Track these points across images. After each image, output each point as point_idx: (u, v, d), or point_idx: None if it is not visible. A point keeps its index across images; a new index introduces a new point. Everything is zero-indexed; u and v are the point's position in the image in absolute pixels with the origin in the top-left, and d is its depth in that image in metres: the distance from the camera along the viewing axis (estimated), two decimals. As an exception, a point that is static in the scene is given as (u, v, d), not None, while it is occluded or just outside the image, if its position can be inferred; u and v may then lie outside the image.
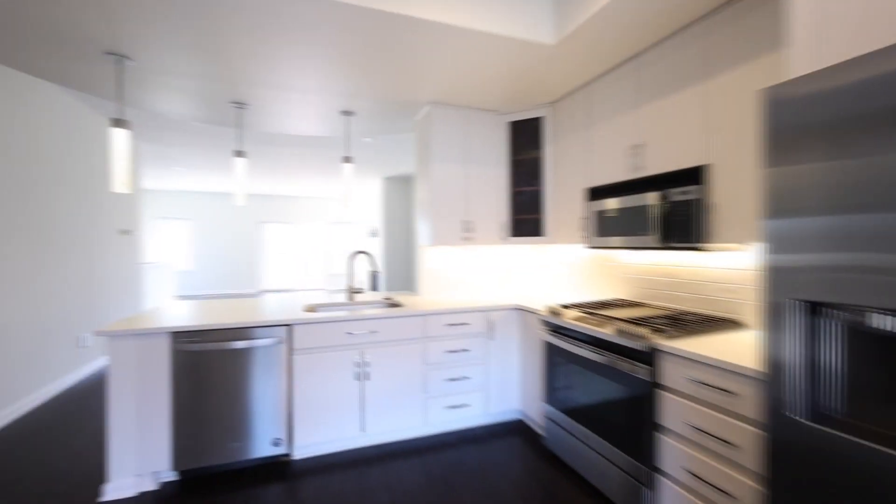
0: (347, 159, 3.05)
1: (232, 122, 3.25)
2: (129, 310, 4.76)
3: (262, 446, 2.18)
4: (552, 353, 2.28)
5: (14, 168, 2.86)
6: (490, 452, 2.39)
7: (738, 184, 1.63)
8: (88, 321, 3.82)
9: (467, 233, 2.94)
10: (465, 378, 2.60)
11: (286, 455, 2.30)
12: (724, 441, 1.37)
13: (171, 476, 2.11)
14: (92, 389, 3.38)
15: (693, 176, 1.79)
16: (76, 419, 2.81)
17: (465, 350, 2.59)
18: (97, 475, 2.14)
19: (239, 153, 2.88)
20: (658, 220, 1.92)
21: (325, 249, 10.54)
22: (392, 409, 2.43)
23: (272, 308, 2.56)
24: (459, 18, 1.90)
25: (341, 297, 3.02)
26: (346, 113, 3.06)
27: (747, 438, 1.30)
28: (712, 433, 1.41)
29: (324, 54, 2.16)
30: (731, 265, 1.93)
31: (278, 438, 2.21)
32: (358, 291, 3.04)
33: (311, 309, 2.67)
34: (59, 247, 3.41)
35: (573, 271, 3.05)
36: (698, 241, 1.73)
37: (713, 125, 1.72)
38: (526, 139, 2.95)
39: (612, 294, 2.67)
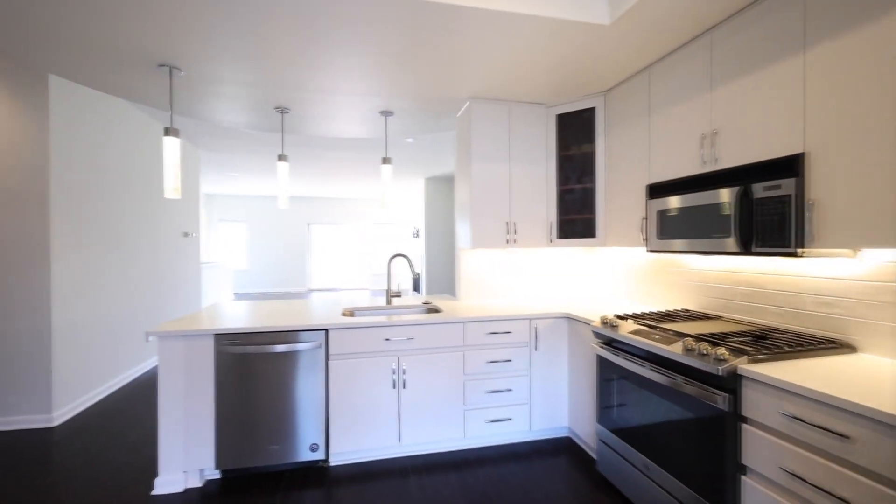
0: (386, 160, 2.99)
1: (276, 127, 3.32)
2: (190, 307, 5.08)
3: (301, 451, 2.16)
4: (606, 368, 2.05)
5: (90, 178, 3.11)
6: (534, 471, 2.20)
7: (848, 174, 1.32)
8: (155, 317, 4.11)
9: (510, 234, 2.77)
10: (507, 390, 2.43)
11: (323, 461, 2.27)
12: (835, 496, 1.09)
13: (215, 474, 2.15)
14: (152, 383, 3.61)
15: (784, 167, 1.50)
16: (137, 411, 2.99)
17: (507, 361, 2.42)
18: (152, 468, 2.23)
19: (281, 157, 2.92)
20: (737, 221, 1.63)
21: (369, 250, 10.76)
22: (429, 420, 2.32)
23: (313, 311, 2.55)
24: (504, 3, 1.74)
25: (381, 300, 2.96)
26: (386, 113, 3.01)
27: (868, 497, 1.03)
28: (817, 484, 1.14)
29: (364, 53, 2.09)
30: (834, 273, 1.60)
31: (315, 444, 2.18)
32: (396, 295, 2.96)
33: (349, 313, 2.63)
34: (129, 249, 3.68)
35: (629, 277, 2.77)
36: (794, 246, 1.44)
37: (814, 105, 1.42)
38: (575, 133, 2.71)
39: (676, 304, 2.37)
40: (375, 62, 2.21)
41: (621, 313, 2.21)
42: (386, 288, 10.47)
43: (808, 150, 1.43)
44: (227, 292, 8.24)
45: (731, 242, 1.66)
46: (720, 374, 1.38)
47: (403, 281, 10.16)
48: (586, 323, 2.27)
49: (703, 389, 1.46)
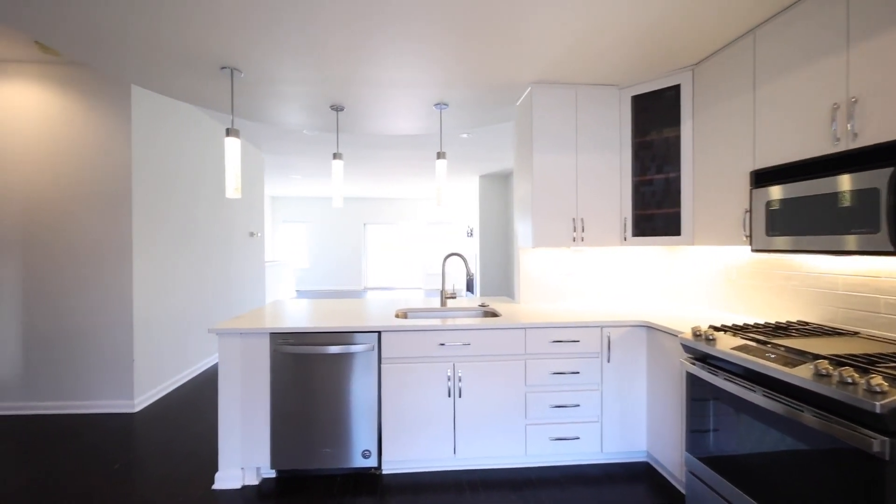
0: (441, 155, 2.86)
1: (331, 126, 3.34)
2: (255, 303, 5.36)
3: (353, 456, 2.09)
4: (698, 389, 1.73)
5: (166, 182, 3.34)
6: (606, 499, 1.94)
7: None
8: (223, 312, 4.36)
9: (577, 232, 2.50)
10: (574, 406, 2.17)
11: (376, 468, 2.18)
12: None
13: (270, 473, 2.15)
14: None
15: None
16: (206, 402, 3.15)
17: (574, 373, 2.17)
18: (215, 461, 2.28)
19: (336, 155, 2.90)
20: (890, 211, 1.26)
21: (423, 249, 10.80)
22: (487, 433, 2.14)
23: (367, 311, 2.49)
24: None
25: (435, 301, 2.84)
26: (440, 105, 2.87)
27: None
28: None
29: (421, 39, 1.97)
30: None
31: (367, 450, 2.10)
32: (451, 296, 2.82)
33: (402, 314, 2.53)
34: (200, 248, 3.92)
35: (720, 281, 2.37)
36: None
37: None
38: (655, 116, 2.38)
39: (786, 314, 1.96)
40: (431, 49, 2.07)
41: (717, 324, 1.87)
42: (440, 288, 10.44)
43: None
44: (290, 290, 8.69)
45: (879, 239, 1.29)
46: (878, 411, 1.05)
47: (457, 281, 10.06)
48: (672, 334, 1.95)
49: (849, 429, 1.13)
